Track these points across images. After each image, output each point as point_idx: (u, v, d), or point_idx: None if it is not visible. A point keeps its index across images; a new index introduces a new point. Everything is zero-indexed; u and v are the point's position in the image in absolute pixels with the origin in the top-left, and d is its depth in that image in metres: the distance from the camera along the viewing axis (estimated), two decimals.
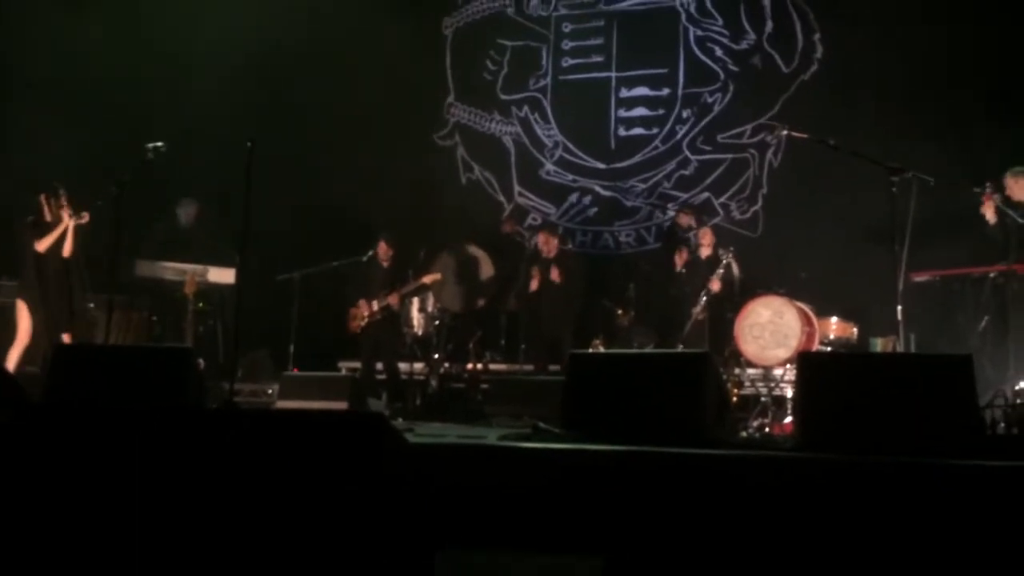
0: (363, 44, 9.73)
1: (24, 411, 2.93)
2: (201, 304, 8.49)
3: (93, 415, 2.65)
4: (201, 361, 7.76)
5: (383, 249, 8.22)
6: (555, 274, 7.97)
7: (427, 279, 8.21)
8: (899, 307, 5.15)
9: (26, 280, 7.07)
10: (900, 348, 5.46)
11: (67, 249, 7.04)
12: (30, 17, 8.64)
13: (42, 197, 7.02)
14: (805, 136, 6.15)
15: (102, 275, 6.97)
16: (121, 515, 2.35)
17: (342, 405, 6.32)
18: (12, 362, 6.85)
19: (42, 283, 6.97)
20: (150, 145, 6.15)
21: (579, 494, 3.03)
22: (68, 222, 7.00)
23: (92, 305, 7.74)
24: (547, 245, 8.22)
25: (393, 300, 8.13)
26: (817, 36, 8.92)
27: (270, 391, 7.90)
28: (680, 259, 7.84)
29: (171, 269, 8.43)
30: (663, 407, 3.74)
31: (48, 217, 7.05)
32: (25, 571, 2.51)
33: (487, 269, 8.92)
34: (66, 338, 6.98)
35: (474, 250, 8.97)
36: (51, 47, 8.61)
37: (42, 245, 6.98)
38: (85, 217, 7.02)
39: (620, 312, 8.15)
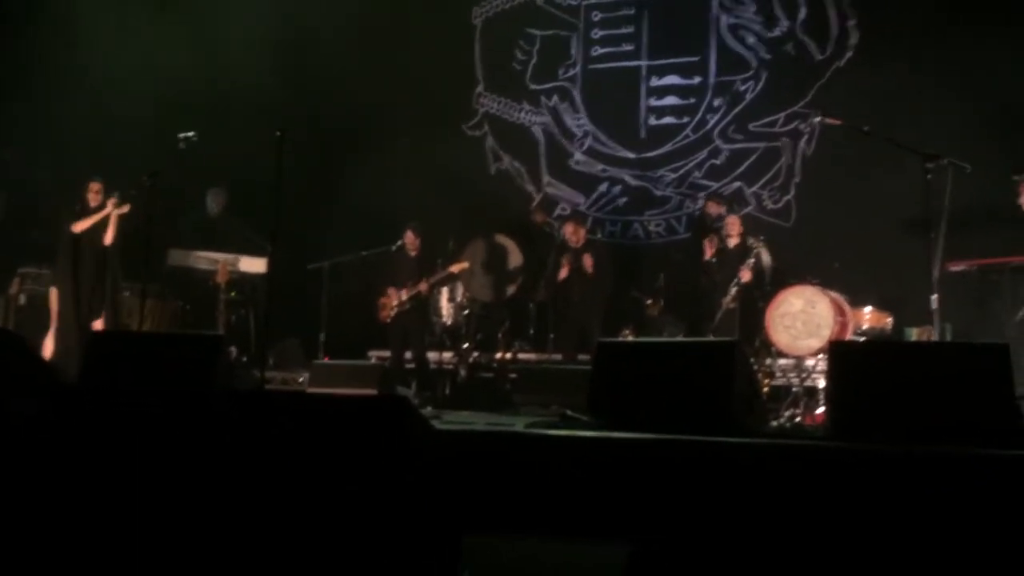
0: (393, 35, 9.75)
1: (59, 397, 2.97)
2: (233, 293, 8.57)
3: (125, 399, 2.68)
4: (233, 349, 7.87)
5: (410, 239, 8.24)
6: (587, 263, 7.95)
7: (455, 268, 8.22)
8: (934, 296, 5.06)
9: (59, 266, 7.18)
10: (935, 338, 5.36)
11: (108, 237, 7.16)
12: (67, 10, 8.75)
13: (93, 187, 7.15)
14: (839, 123, 6.06)
15: (136, 264, 7.07)
16: (152, 496, 2.38)
17: (371, 393, 6.35)
18: (48, 349, 6.97)
19: (76, 269, 7.08)
20: (182, 135, 6.21)
21: (606, 482, 3.01)
22: (111, 210, 7.11)
23: (127, 293, 7.86)
24: (575, 235, 8.20)
25: (423, 288, 8.16)
26: (852, 22, 8.77)
27: (300, 379, 7.97)
28: (710, 249, 7.77)
29: (203, 258, 8.51)
30: (691, 396, 3.71)
31: (93, 204, 7.18)
32: (61, 553, 2.55)
33: (516, 258, 8.91)
34: (98, 324, 7.09)
35: (503, 239, 8.96)
36: (84, 40, 8.72)
37: (79, 226, 7.08)
38: (127, 207, 7.12)
39: (650, 302, 8.10)
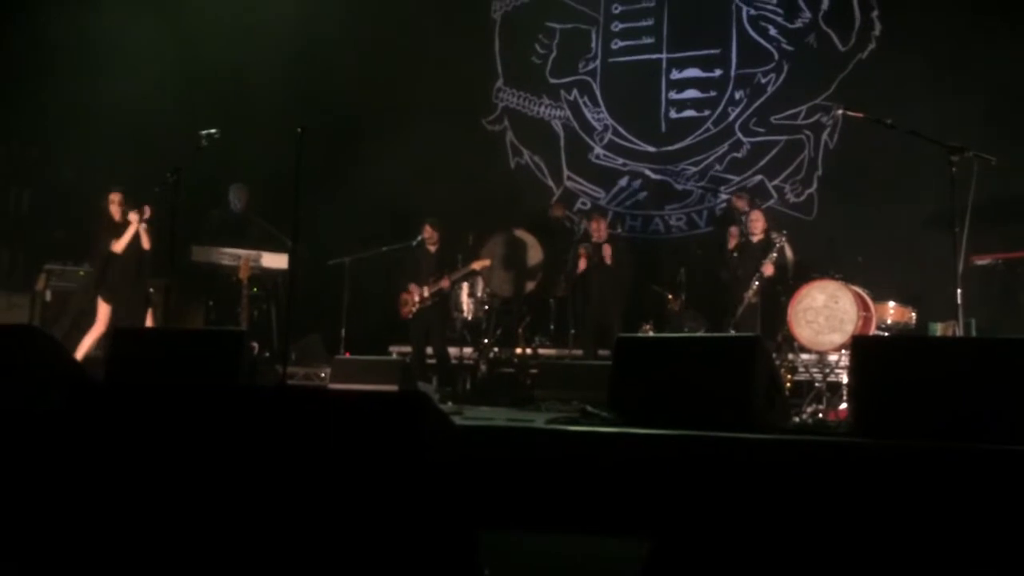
0: (413, 30, 9.77)
1: (83, 391, 3.01)
2: (255, 289, 8.63)
3: (147, 393, 2.71)
4: (255, 345, 7.93)
5: (428, 234, 8.26)
6: (607, 256, 7.94)
7: (476, 265, 8.23)
8: (959, 291, 5.00)
9: (100, 276, 7.31)
10: (960, 333, 5.30)
11: (145, 243, 7.30)
12: (89, 8, 8.83)
13: (114, 199, 7.25)
14: (862, 115, 5.99)
15: (160, 261, 7.15)
16: (175, 491, 2.41)
17: (392, 389, 6.37)
18: (85, 347, 7.09)
19: (116, 278, 7.22)
20: (204, 132, 6.25)
21: (626, 478, 3.01)
22: (136, 225, 7.22)
23: (152, 290, 7.95)
24: (598, 230, 8.19)
25: (445, 284, 8.17)
26: (875, 13, 8.68)
27: (323, 375, 8.01)
28: (734, 236, 7.75)
29: (226, 254, 8.57)
30: (712, 391, 3.69)
31: (117, 218, 7.27)
32: (83, 547, 2.58)
33: (536, 254, 8.91)
34: (148, 318, 7.25)
35: (522, 235, 8.96)
36: (104, 37, 8.79)
37: (119, 246, 7.21)
38: (148, 212, 7.21)
39: (670, 297, 8.07)
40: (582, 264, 8.02)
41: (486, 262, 8.33)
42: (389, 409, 2.25)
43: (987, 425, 3.17)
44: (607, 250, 7.97)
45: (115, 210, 7.28)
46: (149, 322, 7.18)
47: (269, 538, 2.23)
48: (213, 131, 6.26)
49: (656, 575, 2.62)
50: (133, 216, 7.24)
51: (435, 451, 2.20)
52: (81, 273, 8.13)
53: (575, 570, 2.85)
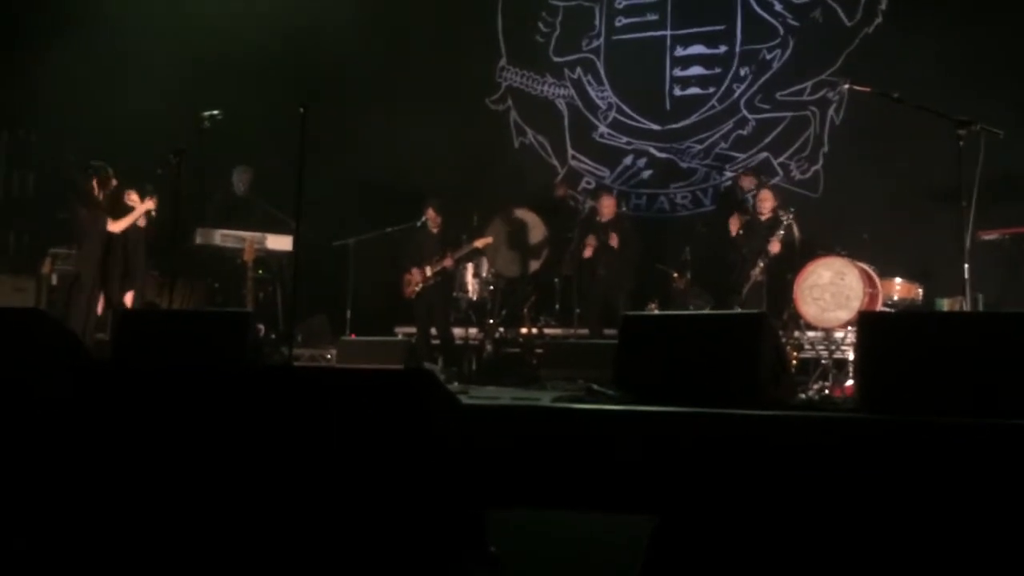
0: (415, 8, 9.69)
1: (87, 372, 3.02)
2: (260, 271, 8.64)
3: (154, 375, 2.72)
4: (261, 326, 7.94)
5: (431, 215, 8.26)
6: (613, 239, 7.93)
7: (479, 243, 8.22)
8: (966, 266, 4.98)
9: (85, 251, 7.24)
10: (967, 308, 5.29)
11: (141, 223, 7.28)
12: None
13: (94, 180, 7.19)
14: (868, 89, 5.94)
15: (164, 243, 7.14)
16: (181, 470, 2.42)
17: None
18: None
19: (105, 256, 7.18)
20: (206, 113, 6.23)
21: (632, 455, 3.01)
22: (142, 209, 7.20)
23: (156, 272, 7.96)
24: (607, 208, 8.18)
25: (448, 263, 8.17)
26: None
27: (328, 356, 8.03)
28: (737, 221, 7.71)
29: (230, 236, 8.57)
30: (718, 369, 3.69)
31: (100, 198, 7.21)
32: (90, 524, 2.59)
33: (539, 233, 8.89)
34: (128, 298, 7.22)
35: (523, 214, 8.93)
36: (106, 20, 8.76)
37: (118, 226, 7.18)
38: (153, 202, 7.22)
39: (676, 276, 8.05)
40: (587, 252, 8.01)
41: (488, 239, 8.31)
42: (395, 387, 2.25)
43: (994, 400, 3.16)
44: (614, 236, 7.94)
45: (95, 189, 7.17)
46: (129, 299, 7.20)
47: (276, 516, 2.24)
48: (216, 112, 6.23)
49: (662, 552, 2.63)
50: (134, 198, 7.21)
51: (441, 428, 2.20)
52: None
53: (580, 547, 2.86)
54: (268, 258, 8.69)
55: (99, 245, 7.13)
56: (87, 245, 7.16)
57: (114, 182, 7.25)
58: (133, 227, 7.31)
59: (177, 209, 6.13)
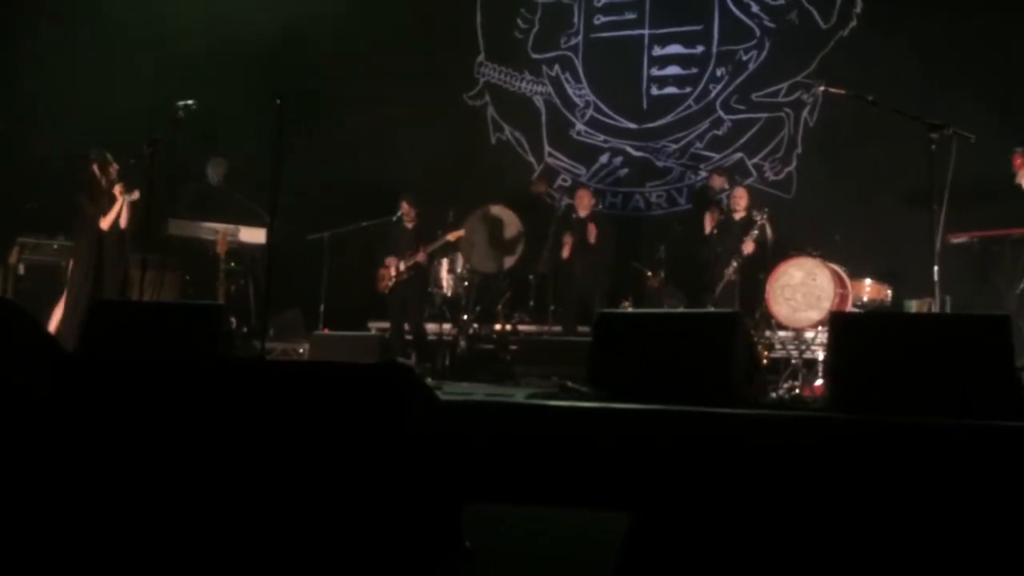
0: (393, 1, 9.65)
1: (58, 366, 2.97)
2: (233, 263, 8.56)
3: (123, 366, 2.69)
4: (233, 320, 7.87)
5: (406, 210, 8.25)
6: (591, 234, 7.95)
7: (452, 236, 8.21)
8: (936, 268, 5.05)
9: (79, 247, 7.12)
10: (936, 310, 5.36)
11: (124, 221, 7.11)
12: None
13: (95, 167, 7.06)
14: (843, 92, 6.00)
15: (136, 234, 7.05)
16: (151, 465, 2.39)
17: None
18: (56, 319, 6.99)
19: (100, 251, 7.04)
20: (180, 103, 6.16)
21: (606, 452, 3.03)
22: (121, 200, 7.06)
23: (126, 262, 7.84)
24: (582, 202, 8.20)
25: (421, 257, 8.16)
26: None
27: (301, 350, 7.98)
28: (711, 220, 7.76)
29: (203, 228, 8.49)
30: (691, 367, 3.72)
31: (104, 185, 7.07)
32: (60, 520, 2.56)
33: (513, 228, 8.88)
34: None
35: (500, 211, 8.92)
36: (79, 9, 8.64)
37: (106, 223, 7.05)
38: (136, 195, 7.05)
39: (650, 274, 8.09)
40: (566, 252, 8.03)
41: (460, 233, 8.29)
42: (372, 381, 2.24)
43: (962, 400, 3.21)
44: (591, 229, 7.97)
45: (98, 178, 7.08)
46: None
47: (249, 512, 2.22)
48: (190, 102, 6.17)
49: (636, 548, 2.64)
50: (119, 190, 7.07)
51: (418, 423, 2.20)
52: (56, 247, 7.98)
53: (555, 543, 2.87)
54: (241, 250, 8.62)
55: (95, 239, 7.00)
56: (82, 239, 7.04)
57: (115, 167, 7.07)
58: (117, 221, 7.18)
59: (150, 200, 6.06)
